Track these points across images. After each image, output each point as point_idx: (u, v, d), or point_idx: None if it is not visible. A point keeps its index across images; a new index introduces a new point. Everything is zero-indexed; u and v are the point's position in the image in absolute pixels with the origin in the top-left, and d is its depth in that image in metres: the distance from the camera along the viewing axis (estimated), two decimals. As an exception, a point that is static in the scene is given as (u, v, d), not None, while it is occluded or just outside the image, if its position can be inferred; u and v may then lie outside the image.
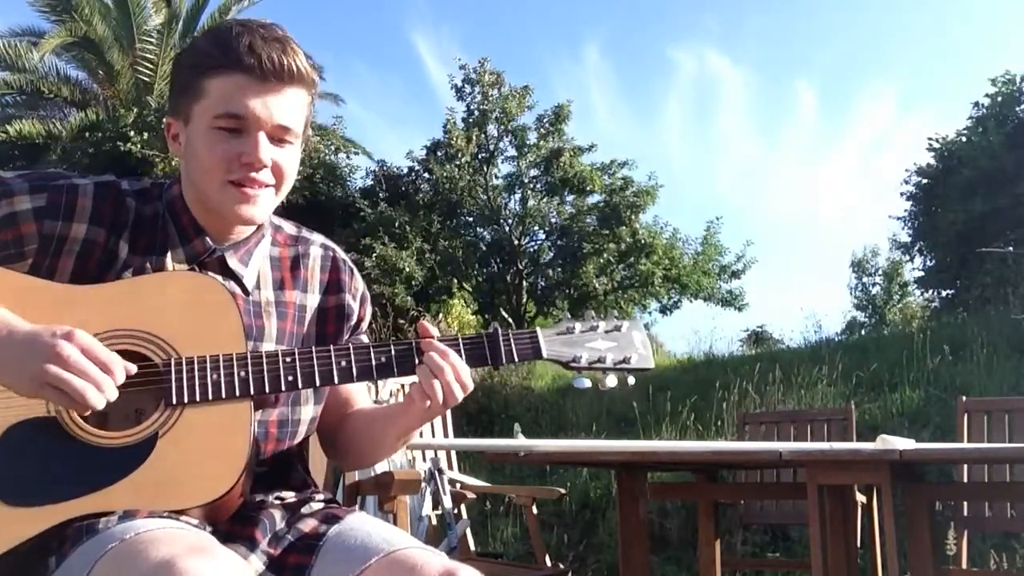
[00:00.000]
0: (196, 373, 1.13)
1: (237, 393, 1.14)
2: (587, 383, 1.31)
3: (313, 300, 1.33)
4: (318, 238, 1.39)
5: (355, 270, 1.41)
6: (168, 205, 1.25)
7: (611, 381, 1.30)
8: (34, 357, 1.04)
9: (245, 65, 1.15)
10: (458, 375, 1.19)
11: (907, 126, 35.21)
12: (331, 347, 1.20)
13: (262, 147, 1.17)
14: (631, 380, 1.33)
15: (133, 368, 1.09)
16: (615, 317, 1.33)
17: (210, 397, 1.13)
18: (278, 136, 1.20)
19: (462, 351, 1.22)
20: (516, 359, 1.25)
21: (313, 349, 1.19)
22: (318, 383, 1.19)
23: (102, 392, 1.05)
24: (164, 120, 1.28)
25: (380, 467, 2.98)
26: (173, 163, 11.53)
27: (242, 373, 1.14)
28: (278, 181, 1.22)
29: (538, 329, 1.28)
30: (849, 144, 35.17)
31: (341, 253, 1.40)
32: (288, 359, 1.17)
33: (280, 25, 1.21)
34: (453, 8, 27.97)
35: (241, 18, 1.26)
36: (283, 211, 1.35)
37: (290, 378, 1.17)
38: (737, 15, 30.67)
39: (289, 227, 1.37)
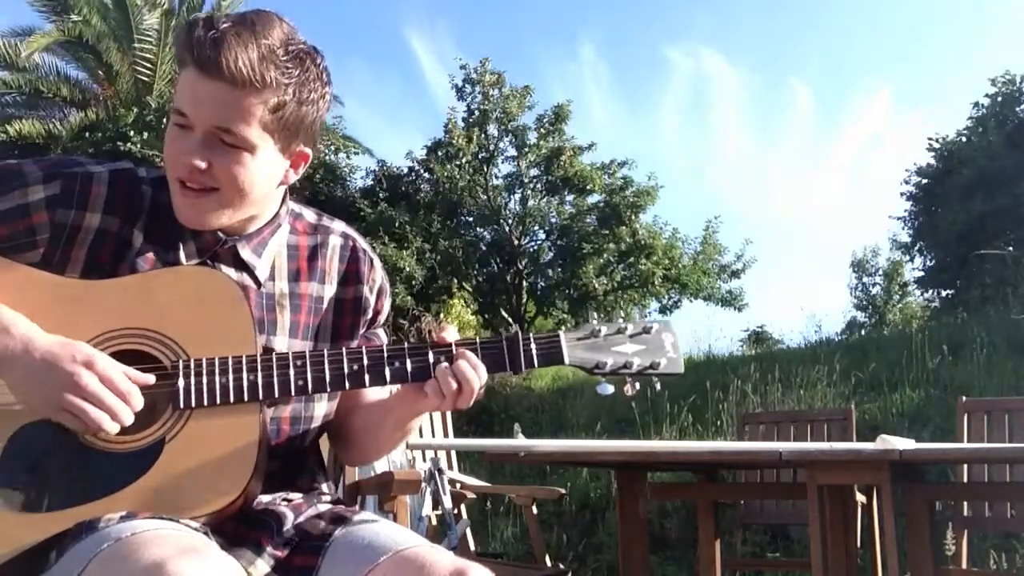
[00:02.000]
0: (204, 376, 1.11)
1: (246, 397, 1.12)
2: (611, 389, 1.24)
3: (330, 291, 1.30)
4: (339, 226, 1.35)
5: (375, 261, 1.36)
6: None
7: (636, 385, 1.25)
8: (52, 382, 1.05)
9: (192, 58, 1.10)
10: (480, 386, 1.18)
11: (903, 125, 35.25)
12: (343, 350, 1.17)
13: (193, 146, 1.12)
14: (658, 386, 1.28)
15: (151, 379, 1.10)
16: (645, 319, 1.26)
17: (218, 401, 1.11)
18: (221, 139, 1.12)
19: (479, 354, 1.18)
20: (536, 364, 1.19)
21: (325, 353, 1.16)
22: (328, 388, 1.16)
23: (117, 420, 1.06)
24: None
25: (380, 467, 2.99)
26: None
27: (251, 376, 1.12)
28: (223, 188, 1.15)
29: (560, 332, 1.22)
30: (846, 143, 35.24)
31: (362, 242, 1.35)
32: (299, 363, 1.15)
33: (265, 16, 1.14)
34: (447, 5, 27.98)
35: (230, 11, 1.19)
36: (302, 203, 1.33)
37: (300, 383, 1.14)
38: (731, 13, 30.76)
39: (310, 215, 1.34)
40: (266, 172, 1.18)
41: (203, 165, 1.12)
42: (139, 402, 1.08)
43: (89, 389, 1.05)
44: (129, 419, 1.07)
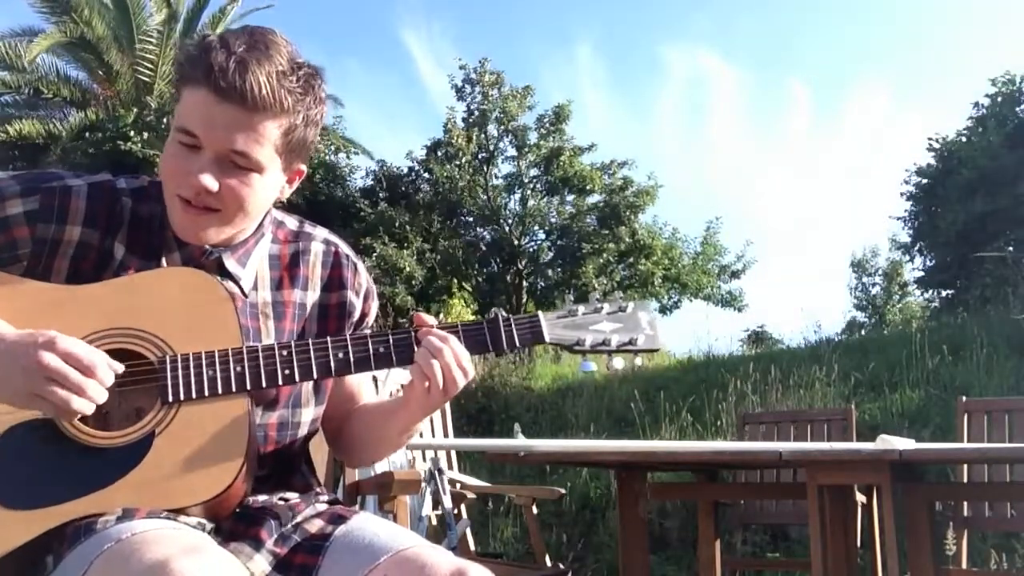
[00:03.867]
0: (192, 370, 1.12)
1: (233, 388, 1.13)
2: (593, 366, 1.29)
3: (313, 297, 1.31)
4: (321, 233, 1.35)
5: (359, 265, 1.37)
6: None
7: (618, 363, 1.28)
8: (18, 371, 1.03)
9: (208, 81, 1.10)
10: (458, 359, 1.17)
11: (903, 125, 35.24)
12: (327, 339, 1.18)
13: (205, 169, 1.12)
14: (638, 361, 1.31)
15: (120, 367, 1.08)
16: (620, 298, 1.30)
17: (206, 393, 1.11)
18: (233, 161, 1.13)
19: (461, 337, 1.20)
20: (517, 344, 1.23)
21: (310, 342, 1.18)
22: (315, 376, 1.17)
23: (86, 396, 1.03)
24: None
25: (380, 467, 2.98)
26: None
27: (238, 368, 1.13)
28: (226, 208, 1.16)
29: (539, 313, 1.25)
30: (846, 143, 35.23)
31: (344, 248, 1.36)
32: (284, 352, 1.16)
33: (272, 37, 1.14)
34: (443, 6, 27.98)
35: (235, 27, 1.20)
36: (283, 210, 1.33)
37: (287, 371, 1.16)
38: (729, 13, 30.76)
39: (291, 222, 1.34)
40: (269, 191, 1.20)
41: (215, 187, 1.13)
42: (106, 374, 1.05)
43: (51, 368, 1.02)
44: (99, 394, 1.05)
